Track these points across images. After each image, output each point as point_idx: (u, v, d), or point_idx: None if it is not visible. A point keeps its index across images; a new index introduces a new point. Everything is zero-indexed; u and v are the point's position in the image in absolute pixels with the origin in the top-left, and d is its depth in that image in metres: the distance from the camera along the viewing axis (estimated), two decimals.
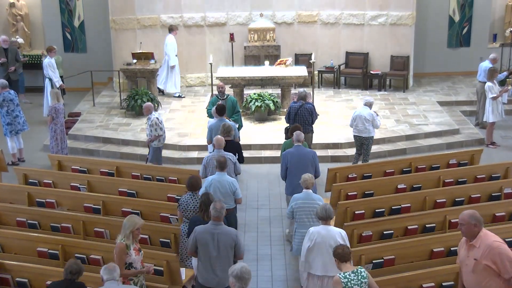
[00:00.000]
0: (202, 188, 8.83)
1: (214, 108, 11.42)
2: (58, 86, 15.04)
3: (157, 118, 11.59)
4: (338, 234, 7.51)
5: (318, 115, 12.86)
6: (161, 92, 16.75)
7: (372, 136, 12.10)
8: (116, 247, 7.01)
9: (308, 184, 8.55)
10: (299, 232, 8.38)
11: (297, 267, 9.09)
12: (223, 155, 9.41)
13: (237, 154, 10.22)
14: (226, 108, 11.54)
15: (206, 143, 11.82)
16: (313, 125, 12.10)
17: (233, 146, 10.26)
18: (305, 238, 7.67)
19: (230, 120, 11.68)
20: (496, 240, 6.30)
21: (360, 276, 6.43)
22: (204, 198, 7.86)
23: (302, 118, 11.74)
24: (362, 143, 12.14)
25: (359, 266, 6.59)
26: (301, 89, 12.23)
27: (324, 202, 8.12)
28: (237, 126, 11.82)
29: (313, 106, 12.19)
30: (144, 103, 14.84)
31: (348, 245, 7.48)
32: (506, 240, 7.67)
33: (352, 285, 6.36)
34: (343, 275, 6.42)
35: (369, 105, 11.95)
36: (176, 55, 16.43)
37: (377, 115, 12.08)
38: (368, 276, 6.51)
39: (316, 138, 12.92)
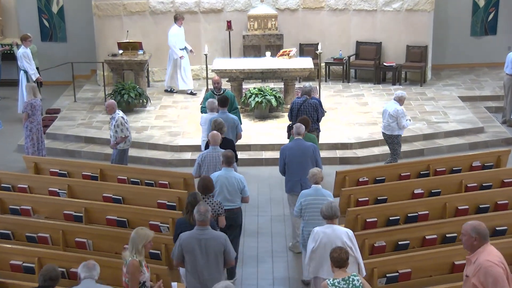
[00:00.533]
0: None
1: (211, 101, 11.43)
2: (34, 79, 15.03)
3: (122, 117, 11.58)
4: (344, 234, 7.59)
5: (325, 111, 12.85)
6: (170, 91, 16.59)
7: (396, 136, 12.00)
8: (129, 266, 6.91)
9: (317, 179, 8.69)
10: (307, 231, 8.46)
11: (298, 269, 9.24)
12: (230, 151, 9.40)
13: None
14: (229, 100, 11.54)
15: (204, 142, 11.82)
16: (319, 123, 12.09)
17: (226, 144, 10.26)
18: (309, 239, 7.78)
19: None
20: (489, 260, 6.11)
21: (351, 285, 6.46)
22: (191, 199, 7.89)
23: (306, 115, 11.66)
24: (387, 141, 12.16)
25: (353, 274, 6.61)
26: (306, 83, 12.23)
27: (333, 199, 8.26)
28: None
29: (319, 101, 12.18)
30: (132, 98, 15.02)
31: (356, 246, 7.58)
32: None
33: None
34: (331, 282, 6.49)
35: (398, 99, 11.89)
36: (181, 49, 16.23)
37: (410, 120, 12.10)
38: (363, 285, 6.52)
39: (323, 138, 12.91)
